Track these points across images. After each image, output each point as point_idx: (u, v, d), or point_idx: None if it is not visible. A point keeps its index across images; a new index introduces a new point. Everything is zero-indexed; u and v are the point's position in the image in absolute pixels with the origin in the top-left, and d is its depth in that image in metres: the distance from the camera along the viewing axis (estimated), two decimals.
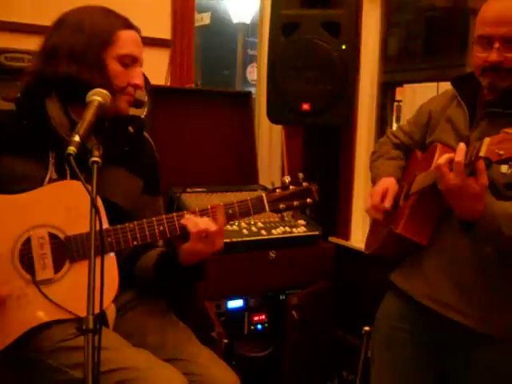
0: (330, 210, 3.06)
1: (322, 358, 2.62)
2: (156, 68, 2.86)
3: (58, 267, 1.46)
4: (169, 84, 2.91)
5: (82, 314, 1.12)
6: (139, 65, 1.57)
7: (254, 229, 2.37)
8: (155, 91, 2.55)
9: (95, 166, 1.20)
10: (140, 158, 1.69)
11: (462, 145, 1.40)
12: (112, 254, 1.47)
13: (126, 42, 1.53)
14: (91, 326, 1.06)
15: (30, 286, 1.45)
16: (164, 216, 1.51)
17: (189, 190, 2.56)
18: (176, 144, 2.74)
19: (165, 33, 2.90)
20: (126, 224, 1.48)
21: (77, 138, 1.22)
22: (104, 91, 1.36)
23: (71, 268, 1.46)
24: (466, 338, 1.63)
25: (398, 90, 2.96)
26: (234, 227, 2.35)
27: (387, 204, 1.74)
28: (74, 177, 1.46)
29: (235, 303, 2.35)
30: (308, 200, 1.55)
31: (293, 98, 2.69)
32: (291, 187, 1.55)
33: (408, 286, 1.74)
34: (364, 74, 2.96)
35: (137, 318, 1.64)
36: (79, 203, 1.42)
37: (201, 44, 8.19)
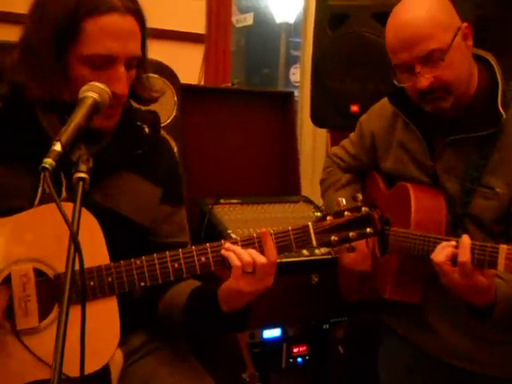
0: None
1: None
2: (189, 65, 2.64)
3: (44, 313, 1.17)
4: (202, 83, 2.67)
5: (74, 373, 0.92)
6: (121, 63, 1.16)
7: None
8: (186, 90, 2.32)
9: (80, 183, 0.92)
10: (157, 162, 1.38)
11: (465, 241, 1.23)
12: (112, 297, 1.18)
13: (94, 36, 1.12)
14: None
15: (10, 336, 1.16)
16: (181, 250, 1.22)
17: (222, 201, 2.30)
18: (209, 149, 2.49)
19: (199, 27, 2.66)
20: (132, 260, 1.19)
21: (58, 147, 0.93)
22: (101, 85, 1.07)
23: None
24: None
25: None
26: None
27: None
28: (70, 191, 1.18)
29: (272, 333, 2.06)
30: (368, 230, 1.24)
31: (340, 98, 2.45)
32: (346, 213, 1.24)
33: (416, 340, 1.57)
34: None
35: (149, 367, 1.35)
36: None
37: (244, 45, 7.98)
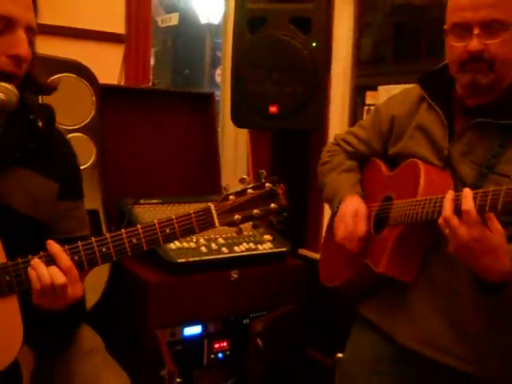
0: (300, 219, 2.85)
1: None
2: (109, 65, 2.60)
3: None
4: (123, 83, 2.65)
5: None
6: (21, 28, 1.15)
7: (213, 246, 2.12)
8: (105, 91, 2.29)
9: None
10: (53, 156, 1.33)
11: (467, 191, 1.21)
12: (13, 297, 1.15)
13: None
14: None
15: None
16: (80, 243, 1.17)
17: (142, 201, 2.31)
18: (129, 150, 2.49)
19: (118, 27, 2.64)
20: (30, 256, 1.16)
21: None
22: (7, 85, 1.06)
23: None
24: (461, 382, 1.42)
25: (369, 93, 2.79)
26: (191, 244, 2.09)
27: (361, 229, 1.53)
28: None
29: (192, 330, 2.09)
30: (272, 205, 1.20)
31: (259, 99, 2.50)
32: (249, 191, 1.21)
33: (390, 326, 1.52)
34: (336, 75, 2.75)
35: (63, 365, 1.33)
36: None
37: (171, 46, 7.89)
